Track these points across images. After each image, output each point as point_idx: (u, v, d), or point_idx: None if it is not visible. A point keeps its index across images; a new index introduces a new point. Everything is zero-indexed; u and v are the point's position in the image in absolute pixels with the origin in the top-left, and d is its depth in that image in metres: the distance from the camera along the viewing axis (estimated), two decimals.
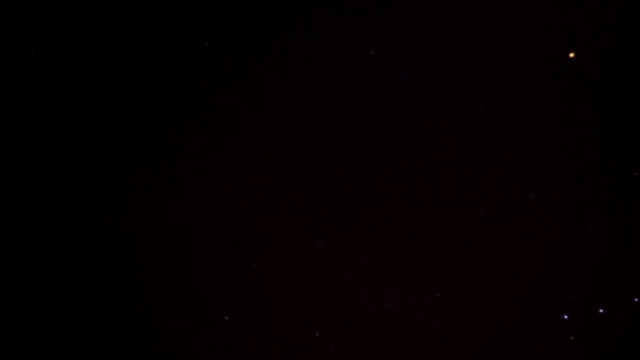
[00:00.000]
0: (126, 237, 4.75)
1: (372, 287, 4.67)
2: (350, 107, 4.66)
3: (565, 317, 4.55)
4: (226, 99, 4.71)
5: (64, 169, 4.77)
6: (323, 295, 4.70)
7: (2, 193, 4.77)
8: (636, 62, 4.49)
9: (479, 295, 4.59)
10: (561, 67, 4.55)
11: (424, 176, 4.63)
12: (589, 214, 4.54)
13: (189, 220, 4.76)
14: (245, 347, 4.71)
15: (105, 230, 4.76)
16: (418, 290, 4.64)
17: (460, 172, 4.61)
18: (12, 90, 4.76)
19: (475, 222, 4.61)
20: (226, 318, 4.72)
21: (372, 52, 4.66)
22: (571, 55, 4.57)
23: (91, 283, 4.78)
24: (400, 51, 4.63)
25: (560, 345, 4.52)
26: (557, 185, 4.56)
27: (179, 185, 4.74)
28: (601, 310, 4.52)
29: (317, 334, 4.68)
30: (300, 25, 4.68)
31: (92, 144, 4.76)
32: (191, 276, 4.75)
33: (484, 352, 4.56)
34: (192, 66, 4.71)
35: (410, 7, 4.60)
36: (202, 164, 4.74)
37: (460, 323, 4.60)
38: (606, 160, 4.51)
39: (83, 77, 4.75)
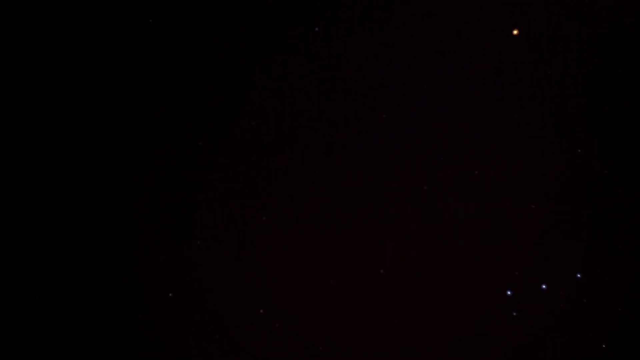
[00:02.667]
0: (66, 213, 4.75)
1: (315, 263, 4.67)
2: (292, 84, 4.68)
3: (508, 292, 4.56)
4: (169, 79, 4.72)
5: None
6: (267, 271, 4.69)
7: None
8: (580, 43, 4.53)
9: (421, 271, 4.60)
10: (505, 44, 4.57)
11: (367, 152, 4.64)
12: (531, 191, 4.55)
13: (135, 197, 4.75)
14: (188, 324, 4.70)
15: (53, 210, 4.76)
16: (362, 267, 4.65)
17: (403, 148, 4.62)
18: None
19: (418, 199, 4.61)
20: (170, 295, 4.71)
21: (316, 29, 4.68)
22: (515, 32, 4.59)
23: (41, 263, 4.77)
24: (343, 27, 4.64)
25: (503, 320, 4.53)
26: (499, 161, 4.57)
27: (124, 163, 4.74)
28: (544, 286, 4.53)
29: (261, 311, 4.68)
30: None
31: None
32: (135, 253, 4.74)
33: (426, 326, 4.57)
34: (139, 48, 4.72)
35: None
36: (146, 143, 4.74)
37: (404, 298, 4.60)
38: (548, 136, 4.53)
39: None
